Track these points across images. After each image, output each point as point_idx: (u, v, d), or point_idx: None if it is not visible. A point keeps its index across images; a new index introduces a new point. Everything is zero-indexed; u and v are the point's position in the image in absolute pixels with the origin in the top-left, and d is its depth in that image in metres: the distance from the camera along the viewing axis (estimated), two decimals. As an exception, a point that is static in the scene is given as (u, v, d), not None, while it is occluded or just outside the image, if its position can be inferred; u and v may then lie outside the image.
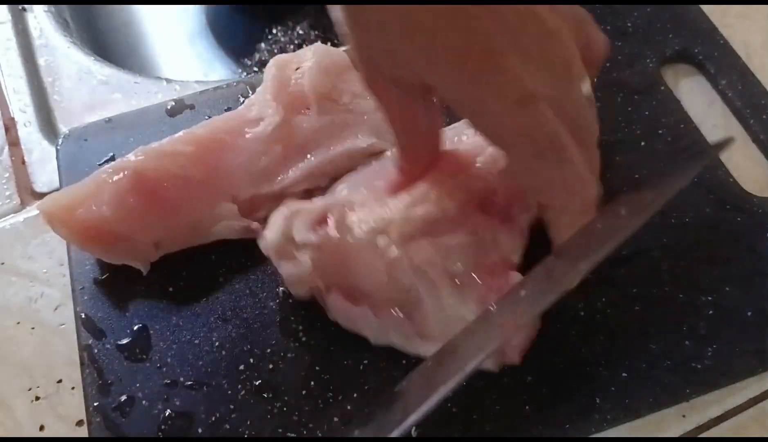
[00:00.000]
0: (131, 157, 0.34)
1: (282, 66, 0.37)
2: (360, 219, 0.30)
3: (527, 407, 0.30)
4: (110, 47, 0.59)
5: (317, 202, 0.32)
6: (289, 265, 0.31)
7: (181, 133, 0.35)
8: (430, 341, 0.30)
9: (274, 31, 0.58)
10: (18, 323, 0.35)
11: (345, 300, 0.31)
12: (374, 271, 0.30)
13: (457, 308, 0.30)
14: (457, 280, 0.30)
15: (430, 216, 0.31)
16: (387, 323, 0.31)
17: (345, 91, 0.36)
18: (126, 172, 0.33)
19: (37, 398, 0.33)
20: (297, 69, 0.36)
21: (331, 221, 0.31)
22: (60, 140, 0.38)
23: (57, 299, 0.35)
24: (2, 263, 0.36)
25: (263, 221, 0.35)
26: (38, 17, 0.48)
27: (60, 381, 0.33)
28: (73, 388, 0.33)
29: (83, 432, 0.31)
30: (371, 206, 0.31)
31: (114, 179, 0.33)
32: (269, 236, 0.31)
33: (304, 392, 0.31)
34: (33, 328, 0.34)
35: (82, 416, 0.31)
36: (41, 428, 0.32)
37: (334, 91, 0.36)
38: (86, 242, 0.33)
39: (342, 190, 0.34)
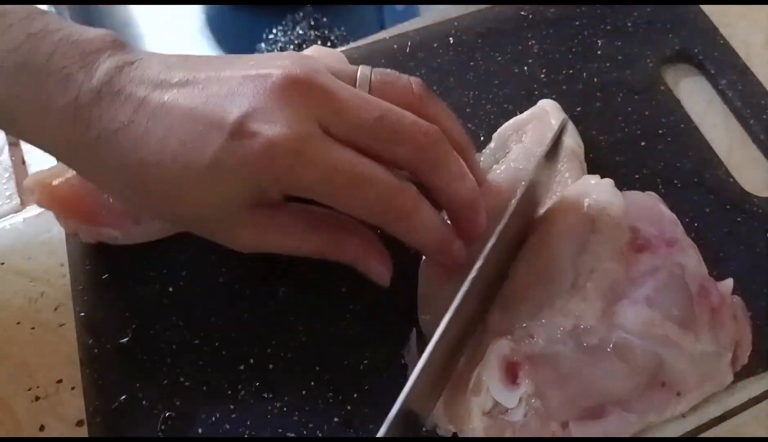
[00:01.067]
0: None
1: None
2: (547, 336, 0.29)
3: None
4: None
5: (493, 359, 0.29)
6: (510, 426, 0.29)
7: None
8: (686, 396, 0.30)
9: (274, 31, 0.59)
10: (18, 323, 0.35)
11: (587, 423, 0.29)
12: (603, 372, 0.29)
13: (710, 345, 0.30)
14: (683, 323, 0.30)
15: (606, 286, 0.30)
16: (643, 410, 0.30)
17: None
18: None
19: (37, 398, 0.33)
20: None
21: (524, 368, 0.29)
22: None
23: (57, 299, 0.36)
24: (2, 263, 0.37)
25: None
26: None
27: (60, 381, 0.34)
28: (73, 388, 0.33)
29: (83, 432, 0.32)
30: (537, 325, 0.30)
31: None
32: (475, 426, 0.28)
33: (304, 392, 0.32)
34: (33, 328, 0.35)
35: (82, 416, 0.32)
36: (41, 428, 0.32)
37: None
38: (66, 209, 0.34)
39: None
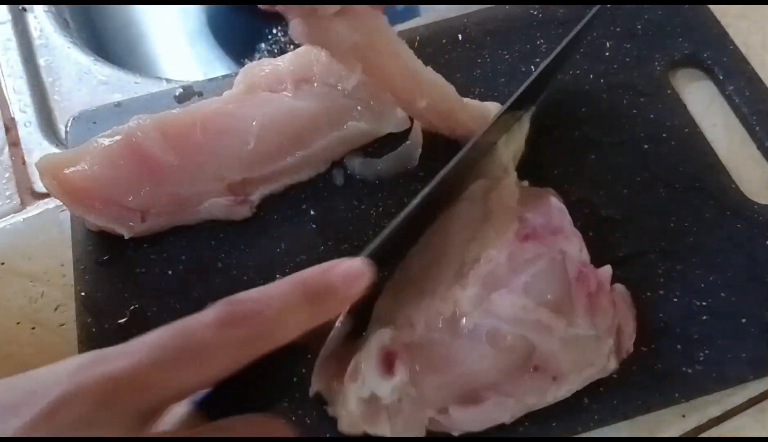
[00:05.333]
0: (129, 124, 0.39)
1: (251, 67, 0.43)
2: (426, 324, 0.33)
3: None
4: (110, 47, 0.64)
5: (369, 348, 0.32)
6: (388, 423, 0.32)
7: (178, 109, 0.40)
8: (564, 379, 0.33)
9: (274, 31, 0.63)
10: (18, 323, 0.39)
11: (466, 408, 0.33)
12: (476, 358, 0.33)
13: (587, 330, 0.34)
14: (559, 308, 0.33)
15: (486, 273, 0.34)
16: (520, 394, 0.33)
17: (344, 77, 0.41)
18: (121, 137, 0.38)
19: (38, 399, 0.37)
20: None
21: (401, 357, 0.32)
22: (70, 121, 0.44)
23: (57, 299, 0.39)
24: (2, 263, 0.41)
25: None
26: (38, 17, 0.53)
27: (60, 381, 0.37)
28: (73, 388, 0.37)
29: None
30: (418, 312, 0.33)
31: (108, 143, 0.38)
32: (351, 410, 0.32)
33: (295, 379, 0.35)
34: (33, 328, 0.39)
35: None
36: (41, 428, 0.36)
37: (333, 77, 0.41)
38: (75, 200, 0.38)
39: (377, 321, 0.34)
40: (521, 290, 0.33)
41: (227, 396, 0.26)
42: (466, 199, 0.37)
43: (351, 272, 0.28)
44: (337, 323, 0.34)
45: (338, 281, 0.28)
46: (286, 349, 0.26)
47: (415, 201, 0.33)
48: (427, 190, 0.34)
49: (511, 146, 0.40)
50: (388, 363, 0.32)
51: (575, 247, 0.36)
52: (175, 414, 0.24)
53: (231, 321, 0.25)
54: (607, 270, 0.36)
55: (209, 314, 0.25)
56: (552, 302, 0.33)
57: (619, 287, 0.36)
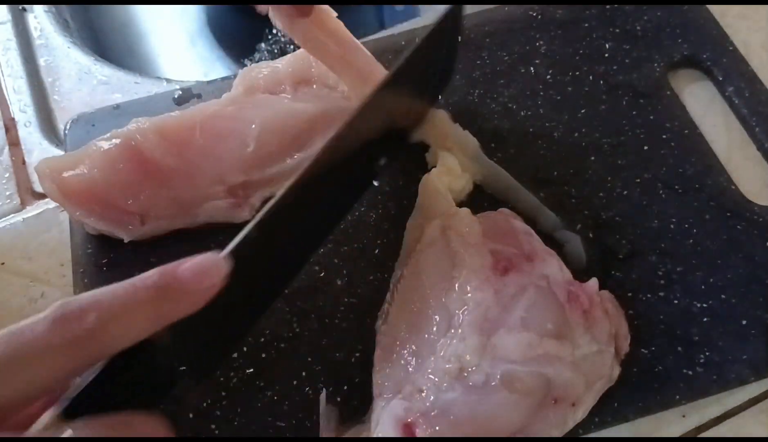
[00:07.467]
0: (128, 127, 0.38)
1: (249, 70, 0.43)
2: (435, 387, 0.31)
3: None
4: (110, 47, 0.64)
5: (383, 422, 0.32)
6: None
7: (177, 112, 0.40)
8: (581, 403, 0.33)
9: (274, 31, 0.63)
10: None
11: None
12: (496, 407, 0.31)
13: (590, 346, 0.33)
14: (560, 334, 0.32)
15: (480, 318, 0.32)
16: (545, 429, 0.32)
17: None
18: (120, 141, 0.38)
19: (37, 398, 0.36)
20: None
21: (420, 425, 0.31)
22: (68, 124, 0.43)
23: (57, 299, 0.38)
24: (2, 263, 0.41)
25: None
26: (38, 17, 0.53)
27: (60, 382, 0.37)
28: (72, 389, 0.36)
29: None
30: (423, 376, 0.32)
31: (107, 146, 0.38)
32: None
33: (295, 382, 0.35)
34: None
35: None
36: (41, 428, 0.36)
37: (332, 78, 0.41)
38: (74, 204, 0.37)
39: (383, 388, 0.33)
40: (520, 326, 0.32)
41: (93, 400, 0.25)
42: (427, 247, 0.36)
43: (201, 265, 0.27)
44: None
45: (186, 276, 0.26)
46: (142, 347, 0.25)
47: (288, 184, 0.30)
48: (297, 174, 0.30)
49: (455, 184, 0.39)
50: (408, 434, 0.31)
51: (555, 267, 0.35)
52: (41, 422, 0.24)
53: (62, 322, 0.24)
54: (593, 283, 0.35)
55: (42, 317, 0.25)
56: (552, 330, 0.32)
57: (605, 293, 0.35)
